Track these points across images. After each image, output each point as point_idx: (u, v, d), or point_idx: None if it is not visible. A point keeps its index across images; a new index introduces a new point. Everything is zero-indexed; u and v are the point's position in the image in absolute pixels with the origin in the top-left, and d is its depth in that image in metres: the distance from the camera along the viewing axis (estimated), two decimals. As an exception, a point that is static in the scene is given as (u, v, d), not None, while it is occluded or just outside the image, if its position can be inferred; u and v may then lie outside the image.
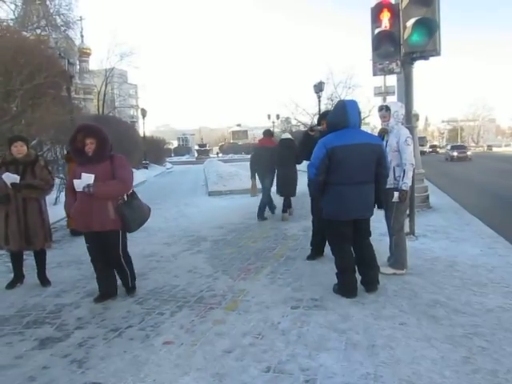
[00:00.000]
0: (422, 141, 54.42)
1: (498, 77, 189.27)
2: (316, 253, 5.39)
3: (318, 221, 5.09)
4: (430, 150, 60.47)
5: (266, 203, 8.79)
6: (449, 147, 39.47)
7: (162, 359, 3.03)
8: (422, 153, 47.02)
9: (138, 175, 20.63)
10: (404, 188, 4.49)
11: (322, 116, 5.19)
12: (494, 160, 32.98)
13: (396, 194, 4.48)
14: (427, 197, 9.07)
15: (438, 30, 5.89)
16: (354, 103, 4.05)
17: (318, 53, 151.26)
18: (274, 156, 8.13)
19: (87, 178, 3.87)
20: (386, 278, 4.38)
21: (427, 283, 4.35)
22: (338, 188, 3.93)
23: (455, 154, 34.76)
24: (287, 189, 8.20)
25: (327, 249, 4.92)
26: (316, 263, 5.20)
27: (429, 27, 5.74)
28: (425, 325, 3.41)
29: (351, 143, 3.85)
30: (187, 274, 5.04)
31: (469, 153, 35.24)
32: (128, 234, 4.31)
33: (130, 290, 4.39)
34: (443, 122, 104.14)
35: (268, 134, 9.17)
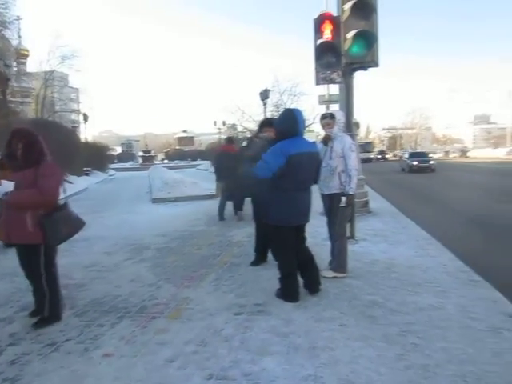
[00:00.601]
0: (369, 146, 55.19)
1: (434, 87, 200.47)
2: (260, 259, 5.45)
3: (261, 226, 5.17)
4: (379, 156, 58.93)
5: (224, 204, 9.33)
6: (406, 155, 32.32)
7: (102, 372, 2.94)
8: (369, 160, 46.55)
9: (79, 182, 19.95)
10: (351, 193, 4.66)
11: (263, 124, 5.26)
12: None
13: (344, 198, 4.63)
14: (367, 202, 9.42)
15: (376, 42, 6.17)
16: (301, 112, 4.17)
17: (265, 60, 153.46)
18: (235, 161, 8.23)
19: (7, 185, 3.57)
20: (327, 282, 4.50)
21: (366, 285, 4.51)
22: (292, 194, 4.01)
23: (415, 163, 28.23)
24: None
25: (271, 254, 4.99)
26: (260, 269, 5.25)
27: (367, 39, 6.00)
28: (363, 325, 3.54)
29: (303, 151, 3.99)
30: (129, 284, 4.93)
31: (432, 162, 28.49)
32: (67, 245, 4.14)
33: (43, 321, 3.76)
34: (383, 129, 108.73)
35: (229, 140, 10.24)
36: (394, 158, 60.38)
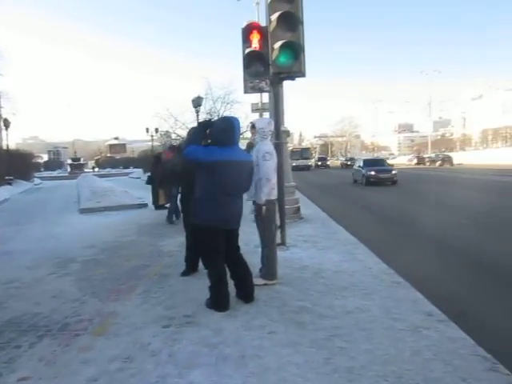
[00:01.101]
0: (307, 153, 53.40)
1: (362, 95, 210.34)
2: (190, 268, 5.36)
3: (192, 235, 5.10)
4: (320, 163, 57.72)
5: (174, 209, 9.61)
6: (360, 163, 24.47)
7: (16, 398, 2.74)
8: (307, 167, 48.00)
9: (1, 192, 18.67)
10: (258, 202, 4.67)
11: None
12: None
13: (264, 207, 4.66)
14: (298, 208, 9.61)
15: (303, 53, 6.32)
16: (238, 122, 4.24)
17: (198, 68, 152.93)
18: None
19: None
20: (257, 289, 4.50)
21: (295, 291, 4.58)
22: (221, 198, 4.01)
23: (373, 173, 21.60)
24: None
25: (202, 264, 4.94)
26: (190, 279, 5.17)
27: (294, 50, 6.12)
28: (292, 331, 3.58)
29: (233, 159, 4.01)
30: (51, 300, 4.65)
31: (394, 171, 21.86)
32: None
33: None
34: (315, 137, 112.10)
35: (172, 148, 9.97)
36: (336, 164, 61.95)
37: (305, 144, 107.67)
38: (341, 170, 46.35)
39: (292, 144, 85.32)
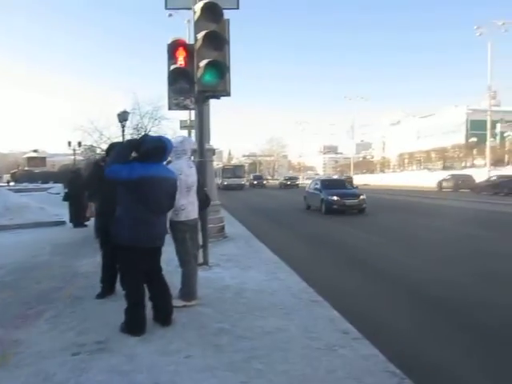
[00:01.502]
0: (239, 171, 50.51)
1: (290, 116, 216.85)
2: (107, 290, 5.10)
3: (109, 255, 4.88)
4: (255, 182, 54.20)
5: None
6: (317, 184, 18.73)
7: None
8: (240, 186, 45.45)
9: None
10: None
11: (112, 148, 5.03)
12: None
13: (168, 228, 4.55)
14: (223, 227, 9.57)
15: (228, 72, 6.38)
16: (171, 145, 4.19)
17: (125, 82, 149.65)
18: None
19: None
20: (176, 311, 4.36)
21: (215, 312, 4.50)
22: (145, 216, 3.90)
23: (335, 198, 16.62)
24: None
25: (118, 286, 4.72)
26: (106, 302, 4.91)
27: (219, 69, 6.16)
28: (209, 355, 3.49)
29: (158, 175, 3.94)
30: None
31: (362, 196, 17.13)
32: None
33: None
34: (244, 156, 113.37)
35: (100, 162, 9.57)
36: (273, 184, 61.03)
37: (233, 163, 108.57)
38: (280, 191, 43.57)
39: (221, 162, 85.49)
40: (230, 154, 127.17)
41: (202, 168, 6.16)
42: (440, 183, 37.97)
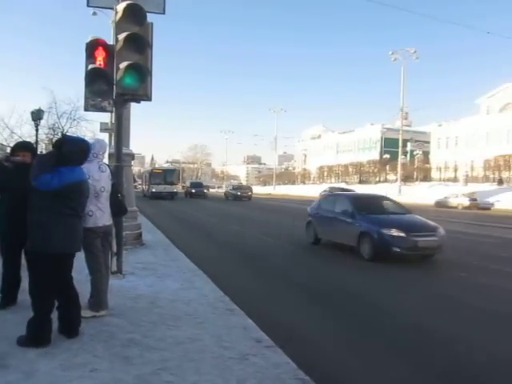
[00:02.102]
0: (171, 176, 42.36)
1: (214, 125, 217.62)
2: (7, 300, 4.70)
3: (12, 262, 4.54)
4: (193, 190, 45.35)
5: None
6: (343, 202, 10.89)
7: None
8: (171, 195, 37.41)
9: None
10: None
11: (17, 147, 4.70)
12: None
13: None
14: (140, 234, 9.30)
15: (150, 77, 6.24)
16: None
17: (43, 78, 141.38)
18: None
19: None
20: (84, 322, 4.12)
21: (127, 322, 4.33)
22: (71, 220, 3.76)
23: (398, 233, 8.95)
24: None
25: (21, 295, 4.41)
26: (6, 313, 4.52)
27: (140, 73, 6.00)
28: (117, 367, 3.34)
29: (83, 179, 3.90)
30: None
31: (441, 231, 9.47)
32: None
33: None
34: (167, 162, 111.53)
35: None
36: (216, 193, 59.18)
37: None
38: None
39: (143, 168, 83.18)
40: (152, 159, 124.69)
41: (118, 173, 5.95)
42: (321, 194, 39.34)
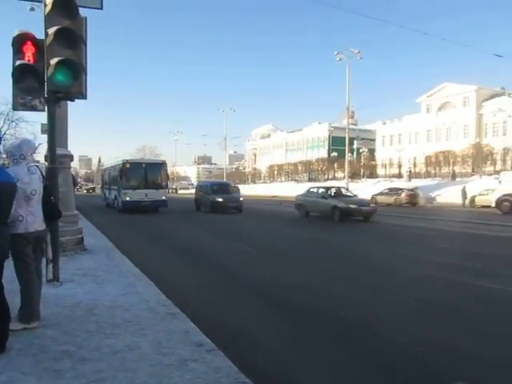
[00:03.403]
0: (158, 172, 24.28)
1: (162, 126, 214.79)
2: None
3: None
4: (221, 199, 29.44)
5: None
6: None
7: None
8: (157, 205, 22.59)
9: None
10: None
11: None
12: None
13: None
14: (82, 239, 8.89)
15: (85, 74, 5.95)
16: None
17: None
18: None
19: None
20: (12, 336, 3.84)
21: (60, 333, 4.08)
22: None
23: None
24: None
25: None
26: None
27: (74, 69, 5.71)
28: (45, 383, 3.12)
29: (8, 181, 3.75)
30: None
31: None
32: None
33: None
34: (117, 158, 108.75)
35: None
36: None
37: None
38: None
39: (90, 170, 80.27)
40: (99, 161, 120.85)
41: (52, 175, 5.64)
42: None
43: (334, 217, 18.33)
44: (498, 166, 45.37)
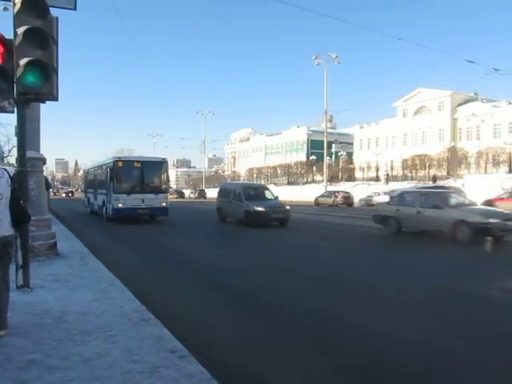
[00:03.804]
0: (156, 173, 19.94)
1: (141, 130, 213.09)
2: None
3: None
4: (263, 208, 20.30)
5: None
6: None
7: None
8: (154, 213, 18.71)
9: None
10: None
11: None
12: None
13: None
14: (55, 244, 8.68)
15: (56, 75, 5.82)
16: None
17: None
18: None
19: None
20: (-24, 345, 3.73)
21: (28, 341, 3.95)
22: None
23: None
24: None
25: None
26: None
27: (44, 70, 5.57)
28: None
29: None
30: None
31: None
32: None
33: None
34: (93, 162, 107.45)
35: None
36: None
37: (80, 174, 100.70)
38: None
39: (67, 174, 78.71)
40: (76, 164, 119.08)
41: (21, 179, 5.48)
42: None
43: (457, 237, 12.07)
44: (473, 170, 46.43)
